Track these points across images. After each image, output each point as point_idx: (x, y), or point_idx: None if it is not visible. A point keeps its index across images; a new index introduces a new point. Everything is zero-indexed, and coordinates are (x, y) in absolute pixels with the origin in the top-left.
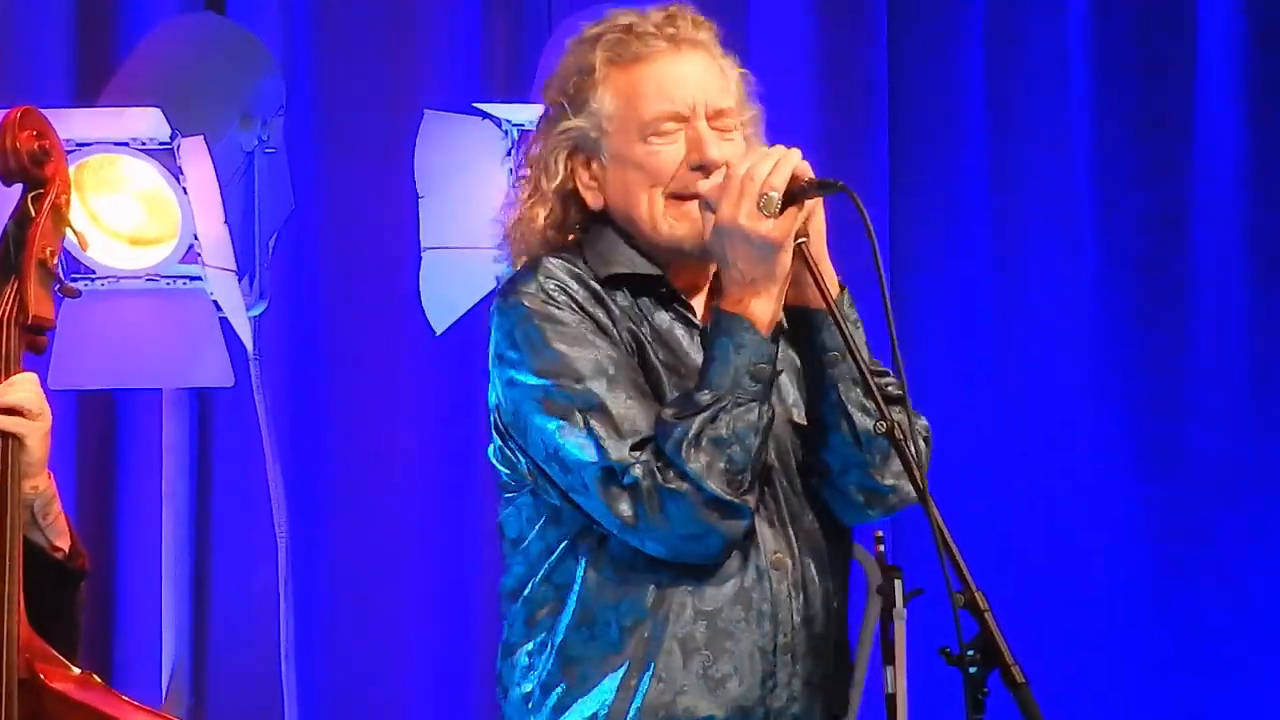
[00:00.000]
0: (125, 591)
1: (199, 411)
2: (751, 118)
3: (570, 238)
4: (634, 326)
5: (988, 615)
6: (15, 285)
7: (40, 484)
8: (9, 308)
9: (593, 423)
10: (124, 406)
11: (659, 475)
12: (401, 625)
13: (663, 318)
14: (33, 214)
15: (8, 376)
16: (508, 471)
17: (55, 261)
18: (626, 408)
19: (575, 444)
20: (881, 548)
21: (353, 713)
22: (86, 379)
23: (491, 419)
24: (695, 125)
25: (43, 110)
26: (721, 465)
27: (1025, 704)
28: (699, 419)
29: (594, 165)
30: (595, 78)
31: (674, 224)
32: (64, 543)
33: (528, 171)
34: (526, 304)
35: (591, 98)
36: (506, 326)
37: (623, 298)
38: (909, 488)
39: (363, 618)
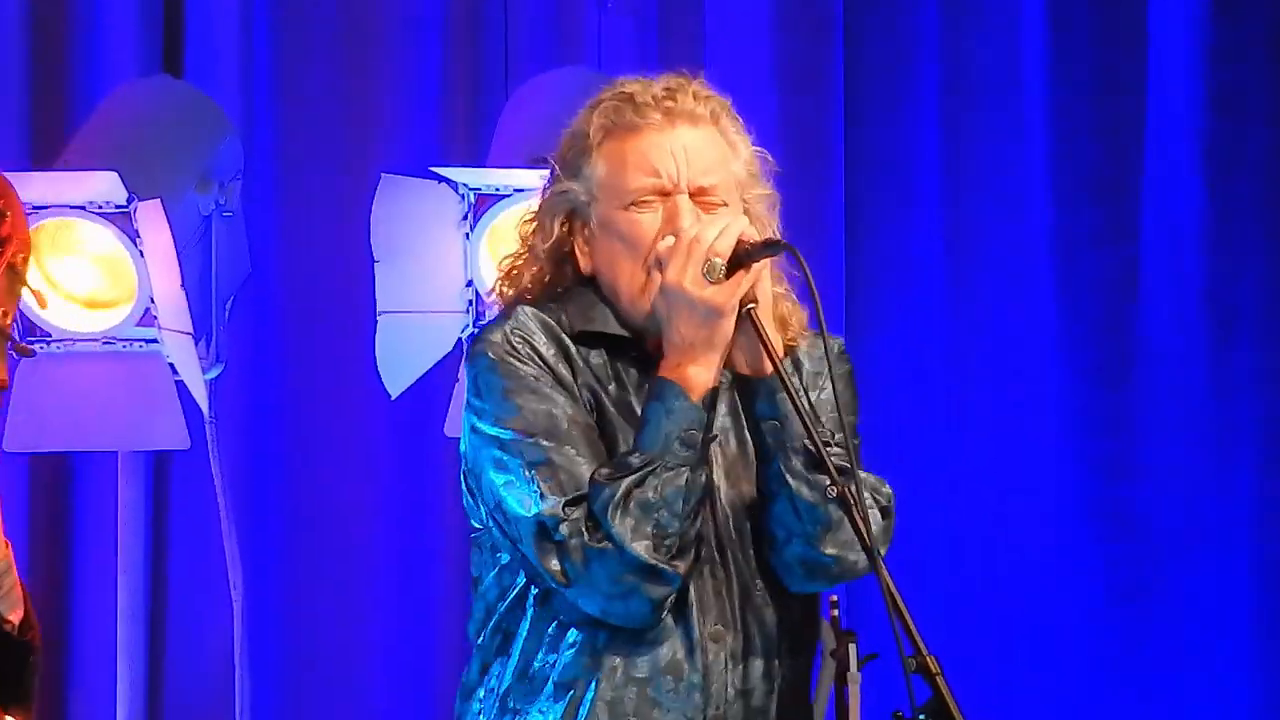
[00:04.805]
0: (79, 652)
1: (154, 474)
2: (761, 197)
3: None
4: (596, 385)
5: (940, 679)
6: None
7: None
8: None
9: (537, 477)
10: (79, 469)
11: (586, 534)
12: (359, 689)
13: (636, 379)
14: None
15: None
16: (472, 517)
17: (9, 322)
18: (573, 464)
19: (517, 497)
20: (836, 612)
21: None
22: (42, 441)
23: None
24: (675, 199)
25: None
26: (648, 529)
27: None
28: (627, 481)
29: (585, 230)
30: (590, 143)
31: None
32: (15, 615)
33: (528, 230)
34: (490, 354)
35: (585, 163)
36: (473, 374)
37: (596, 356)
38: (854, 558)
39: (319, 682)
